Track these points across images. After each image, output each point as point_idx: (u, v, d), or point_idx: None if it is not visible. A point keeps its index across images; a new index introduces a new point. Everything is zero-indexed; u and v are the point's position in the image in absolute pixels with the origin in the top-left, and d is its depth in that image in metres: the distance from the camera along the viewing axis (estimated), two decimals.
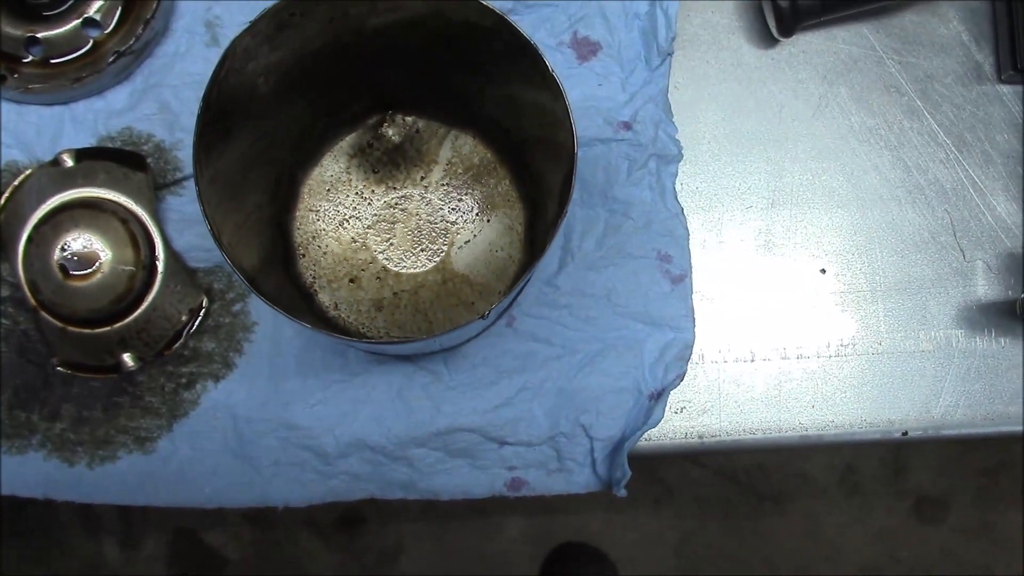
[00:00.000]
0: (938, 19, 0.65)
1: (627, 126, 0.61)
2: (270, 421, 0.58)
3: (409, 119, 0.60)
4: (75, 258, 0.56)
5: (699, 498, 1.51)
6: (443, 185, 0.60)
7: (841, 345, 0.62)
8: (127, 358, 0.58)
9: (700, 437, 0.61)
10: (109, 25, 0.60)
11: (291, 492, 0.59)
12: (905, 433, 0.61)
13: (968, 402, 0.62)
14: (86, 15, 0.60)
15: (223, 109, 0.47)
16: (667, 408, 0.60)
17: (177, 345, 0.59)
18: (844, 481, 1.53)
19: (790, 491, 1.52)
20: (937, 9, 0.65)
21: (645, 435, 0.59)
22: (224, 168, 0.48)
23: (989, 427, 0.62)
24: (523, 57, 0.46)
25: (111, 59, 0.59)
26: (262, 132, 0.52)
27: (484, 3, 0.45)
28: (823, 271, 0.62)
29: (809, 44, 0.64)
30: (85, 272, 0.56)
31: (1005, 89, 0.64)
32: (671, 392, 0.60)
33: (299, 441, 0.58)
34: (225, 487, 0.58)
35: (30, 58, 0.60)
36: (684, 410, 0.61)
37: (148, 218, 0.59)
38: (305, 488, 0.59)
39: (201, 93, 0.60)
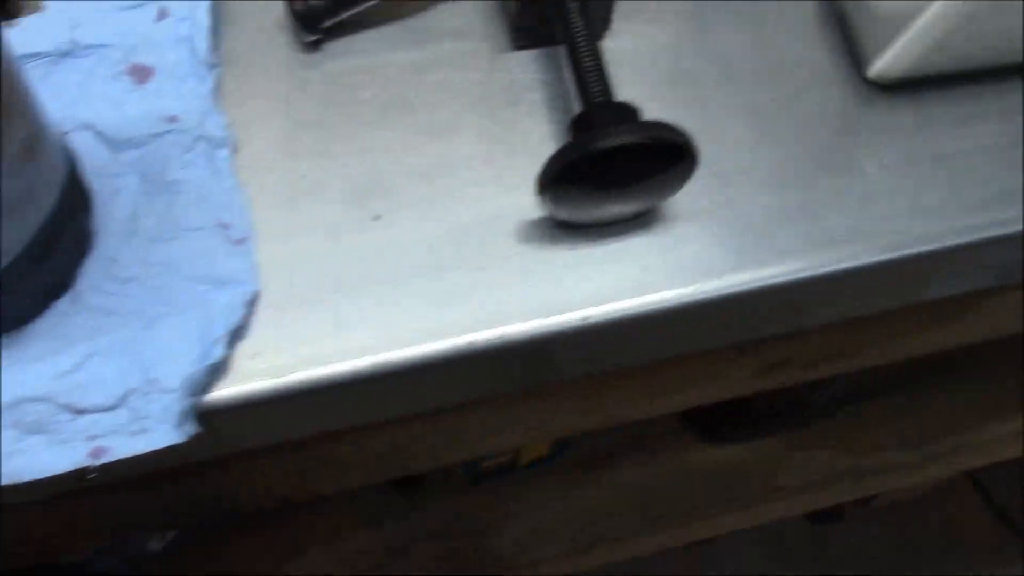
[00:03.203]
0: None
1: (173, 119, 0.69)
2: None
3: None
4: None
5: None
6: None
7: None
8: None
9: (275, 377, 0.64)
10: None
11: None
12: None
13: None
14: None
15: None
16: (248, 358, 0.64)
17: None
18: None
19: None
20: None
21: (232, 385, 0.63)
22: None
23: None
24: None
25: None
26: None
27: None
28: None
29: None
30: None
31: None
32: (243, 339, 0.64)
33: None
34: None
35: None
36: (258, 355, 0.64)
37: None
38: None
39: None
